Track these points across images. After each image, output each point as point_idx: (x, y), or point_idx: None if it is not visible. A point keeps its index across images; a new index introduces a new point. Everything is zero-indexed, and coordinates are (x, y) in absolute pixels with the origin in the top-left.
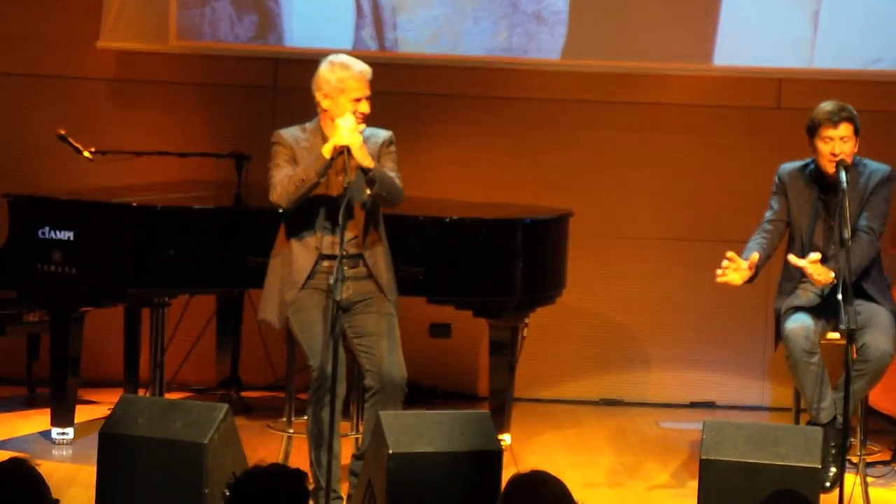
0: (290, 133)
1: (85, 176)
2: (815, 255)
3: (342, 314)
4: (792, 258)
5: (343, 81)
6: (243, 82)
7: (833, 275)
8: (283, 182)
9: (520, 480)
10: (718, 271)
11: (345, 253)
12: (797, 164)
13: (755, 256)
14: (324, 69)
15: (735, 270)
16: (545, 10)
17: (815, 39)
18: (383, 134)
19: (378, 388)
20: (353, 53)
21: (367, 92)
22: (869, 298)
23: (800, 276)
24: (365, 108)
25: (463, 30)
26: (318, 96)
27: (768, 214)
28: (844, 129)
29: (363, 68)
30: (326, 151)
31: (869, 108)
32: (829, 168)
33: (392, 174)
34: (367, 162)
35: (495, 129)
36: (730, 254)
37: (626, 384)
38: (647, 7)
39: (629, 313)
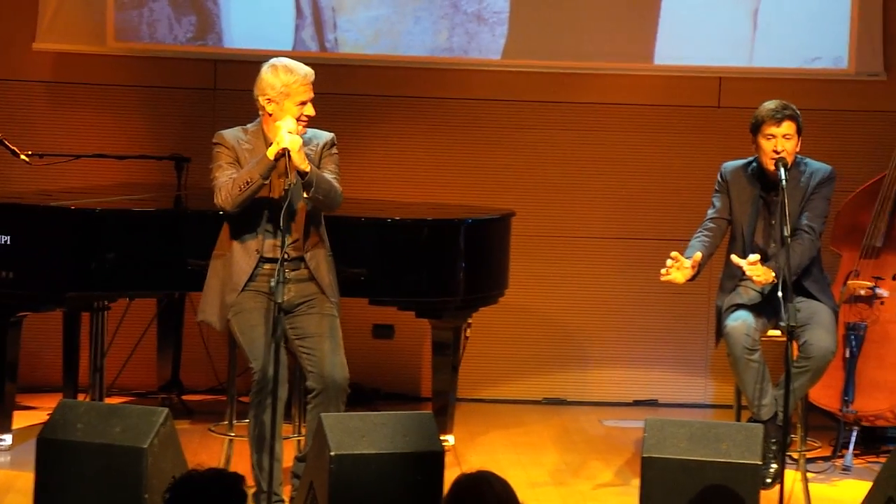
0: (231, 134)
1: (22, 179)
2: (755, 257)
3: (284, 316)
4: (734, 258)
5: (288, 86)
6: (182, 84)
7: (773, 274)
8: (228, 185)
9: (465, 481)
10: (662, 270)
11: (286, 256)
12: (739, 162)
13: (698, 255)
14: (267, 74)
15: (678, 269)
16: (486, 11)
17: (754, 38)
18: (325, 136)
19: (320, 390)
20: (293, 54)
21: (312, 95)
22: (810, 296)
23: (741, 274)
24: (310, 111)
25: (403, 30)
26: (263, 101)
27: (710, 212)
28: (787, 126)
29: (307, 71)
30: (271, 153)
31: (808, 107)
32: (771, 165)
33: (330, 177)
34: (304, 165)
35: (437, 130)
36: (673, 253)
37: (569, 383)
38: (587, 7)
39: (572, 313)
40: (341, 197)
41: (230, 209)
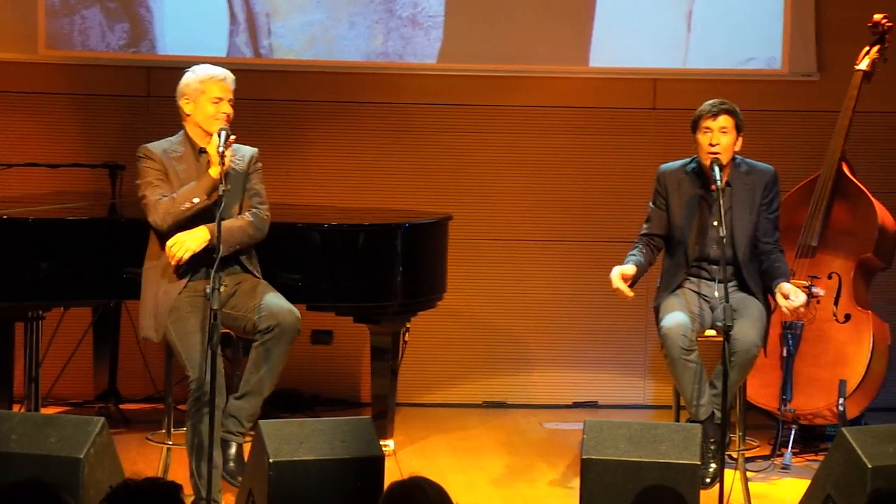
0: (157, 146)
1: None
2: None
3: (221, 309)
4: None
5: (203, 83)
6: (116, 91)
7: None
8: (165, 204)
9: (398, 489)
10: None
11: (231, 252)
12: (677, 163)
13: (629, 269)
14: (186, 77)
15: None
16: (421, 15)
17: (688, 40)
18: (248, 151)
19: (275, 325)
20: (228, 60)
21: (229, 95)
22: (746, 290)
23: (680, 278)
24: (226, 108)
25: (338, 35)
26: (182, 103)
27: (645, 227)
28: (724, 120)
29: (226, 73)
30: (214, 172)
31: (742, 108)
32: (707, 161)
33: (257, 201)
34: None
35: (373, 135)
36: (616, 286)
37: (509, 386)
38: (522, 10)
39: (511, 316)
40: (265, 226)
41: (167, 228)
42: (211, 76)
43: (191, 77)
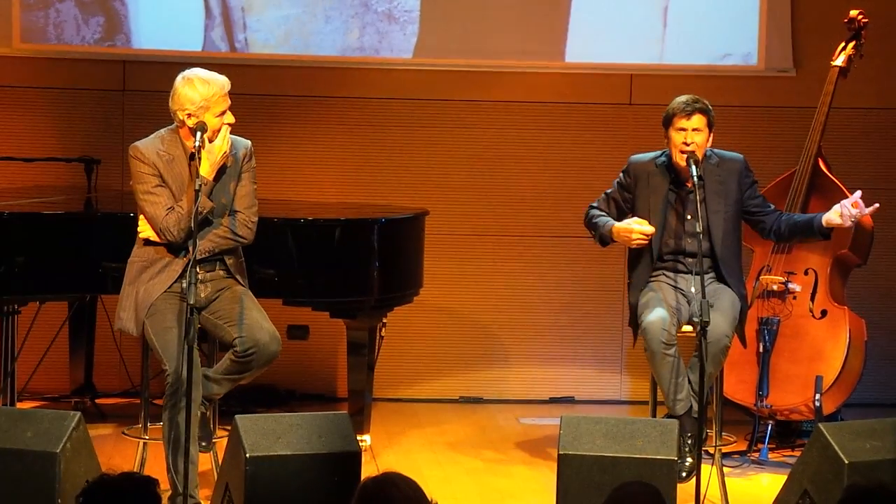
0: (149, 149)
1: None
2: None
3: (202, 312)
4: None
5: (208, 99)
6: (91, 85)
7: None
8: (173, 221)
9: (371, 486)
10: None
11: (206, 255)
12: (648, 155)
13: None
14: (184, 88)
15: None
16: (396, 9)
17: (664, 35)
18: (242, 145)
19: (253, 350)
20: (204, 55)
21: (229, 102)
22: (723, 280)
23: (650, 273)
24: (230, 119)
25: (314, 30)
26: (182, 115)
27: (601, 206)
28: (697, 120)
29: (223, 82)
30: (209, 175)
31: (719, 103)
32: (681, 159)
33: (249, 194)
34: (208, 173)
35: (349, 130)
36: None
37: (485, 381)
38: (497, 5)
39: (487, 311)
40: (245, 233)
41: (182, 241)
42: (214, 91)
43: (191, 91)
